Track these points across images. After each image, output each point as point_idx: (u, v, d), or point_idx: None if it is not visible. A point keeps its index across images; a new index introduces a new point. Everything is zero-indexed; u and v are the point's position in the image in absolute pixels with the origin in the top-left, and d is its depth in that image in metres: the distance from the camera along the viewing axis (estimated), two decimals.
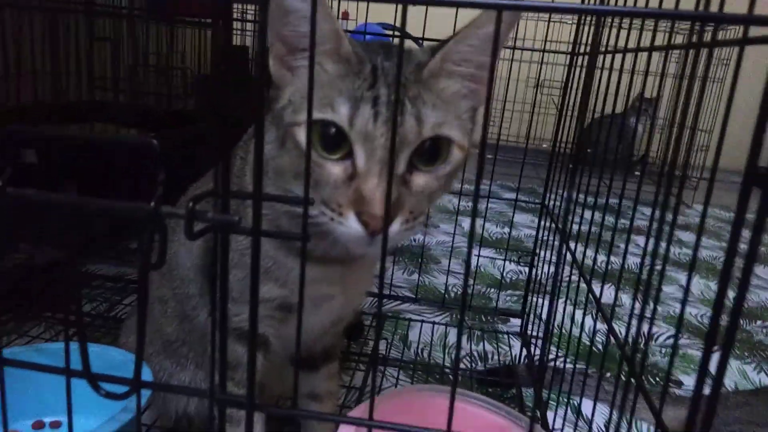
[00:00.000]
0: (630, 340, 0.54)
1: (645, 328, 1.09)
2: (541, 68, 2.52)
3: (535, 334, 1.05)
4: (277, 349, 0.54)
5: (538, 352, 1.01)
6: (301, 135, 0.40)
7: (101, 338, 0.85)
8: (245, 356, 0.50)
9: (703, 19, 0.27)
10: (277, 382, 0.63)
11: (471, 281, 1.30)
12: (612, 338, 0.59)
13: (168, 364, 0.59)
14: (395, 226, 0.39)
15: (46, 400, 0.54)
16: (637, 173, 2.64)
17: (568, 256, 1.25)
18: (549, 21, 1.63)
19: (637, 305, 1.19)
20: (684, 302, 0.46)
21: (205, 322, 0.54)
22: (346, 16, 2.66)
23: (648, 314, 0.51)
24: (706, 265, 1.60)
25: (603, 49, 0.71)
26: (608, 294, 1.32)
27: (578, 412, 0.85)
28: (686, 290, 0.38)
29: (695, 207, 2.33)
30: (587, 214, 2.01)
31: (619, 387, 0.82)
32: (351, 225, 0.38)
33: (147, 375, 0.52)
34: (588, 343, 1.07)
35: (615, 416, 0.84)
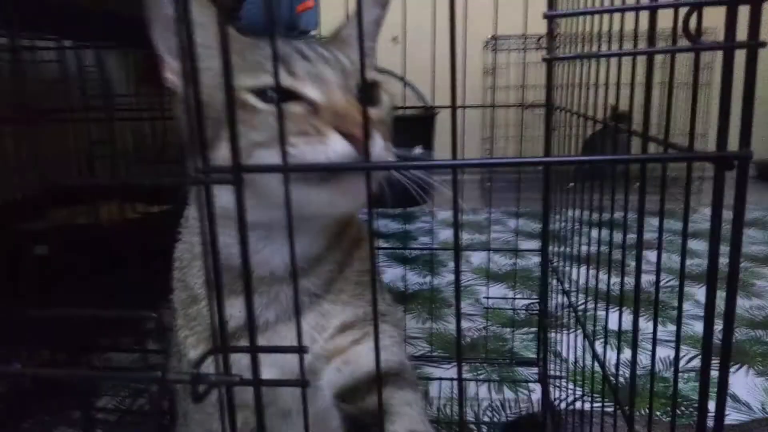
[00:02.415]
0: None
1: (666, 354, 1.09)
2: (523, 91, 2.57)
3: (554, 373, 1.05)
4: None
5: (558, 393, 1.01)
6: (251, 98, 0.40)
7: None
8: None
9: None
10: None
11: (484, 322, 1.30)
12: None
13: None
14: (378, 141, 0.40)
15: None
16: (637, 184, 2.64)
17: (580, 280, 1.26)
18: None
19: (652, 327, 1.19)
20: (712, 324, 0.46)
21: None
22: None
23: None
24: (721, 275, 1.59)
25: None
26: (623, 318, 1.31)
27: None
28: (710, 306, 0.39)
29: (703, 211, 2.32)
30: (593, 233, 2.00)
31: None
32: (336, 144, 0.37)
33: None
34: (611, 377, 1.06)
35: None
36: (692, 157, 0.35)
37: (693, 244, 1.87)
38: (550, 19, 0.24)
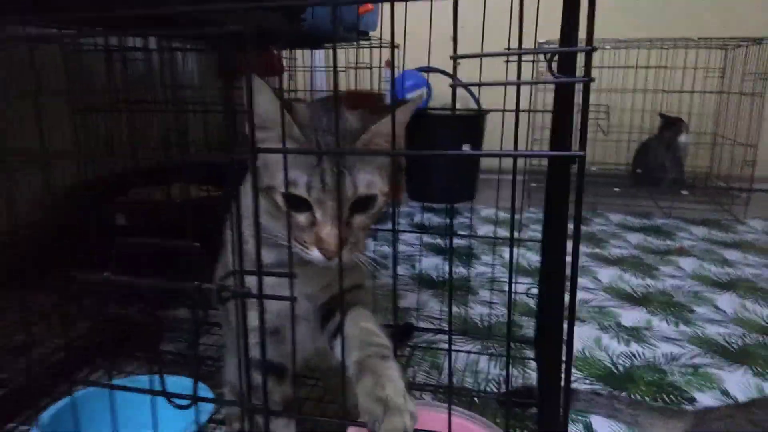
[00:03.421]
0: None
1: (670, 350, 1.17)
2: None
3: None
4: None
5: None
6: (280, 199, 0.58)
7: (180, 371, 1.03)
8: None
9: None
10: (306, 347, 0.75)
11: (504, 309, 1.40)
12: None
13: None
14: (344, 253, 0.58)
15: (142, 418, 0.72)
16: (684, 192, 2.64)
17: (604, 280, 1.36)
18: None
19: (665, 327, 1.30)
20: None
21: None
22: (388, 64, 2.86)
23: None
24: (747, 284, 1.62)
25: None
26: (637, 316, 1.39)
27: (588, 427, 0.94)
28: None
29: (749, 223, 2.30)
30: (631, 237, 2.07)
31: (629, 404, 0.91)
32: (315, 255, 0.58)
33: (205, 392, 0.68)
34: (610, 365, 1.15)
35: (619, 427, 0.93)
36: (544, 154, 0.46)
37: (728, 254, 1.89)
38: (455, 59, 0.35)
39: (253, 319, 0.62)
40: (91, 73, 1.44)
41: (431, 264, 1.76)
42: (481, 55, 0.37)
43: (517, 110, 0.43)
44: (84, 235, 1.22)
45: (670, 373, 1.12)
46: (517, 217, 2.37)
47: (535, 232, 2.14)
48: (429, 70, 2.62)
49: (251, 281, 0.45)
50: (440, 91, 2.75)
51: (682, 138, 2.80)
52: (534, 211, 2.46)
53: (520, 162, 2.70)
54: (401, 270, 1.69)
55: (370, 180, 0.59)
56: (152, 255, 0.53)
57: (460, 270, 1.71)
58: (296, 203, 0.57)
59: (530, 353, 1.18)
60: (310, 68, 3.12)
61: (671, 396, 1.04)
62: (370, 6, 2.34)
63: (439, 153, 0.42)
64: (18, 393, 0.93)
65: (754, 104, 2.41)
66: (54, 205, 1.53)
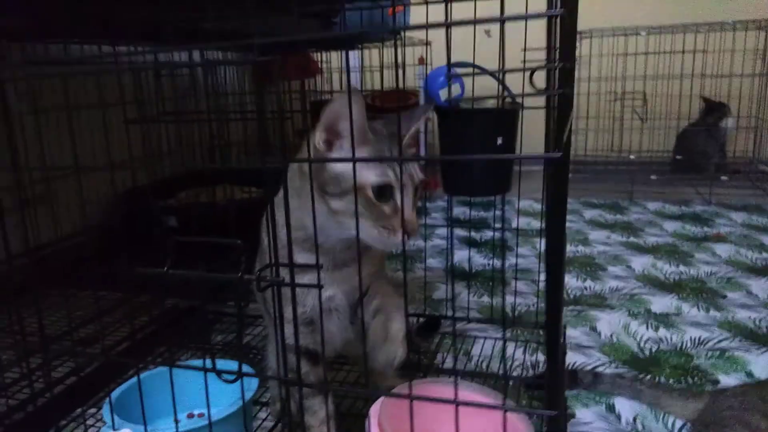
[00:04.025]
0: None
1: (698, 334, 1.20)
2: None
3: (582, 344, 1.20)
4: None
5: (584, 359, 1.15)
6: (370, 192, 0.66)
7: (229, 358, 1.13)
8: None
9: None
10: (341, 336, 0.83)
11: (535, 299, 1.45)
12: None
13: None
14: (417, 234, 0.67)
15: (194, 399, 0.81)
16: (724, 177, 2.60)
17: (637, 269, 1.39)
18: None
19: (695, 313, 1.34)
20: None
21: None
22: (422, 61, 2.92)
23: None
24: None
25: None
26: (668, 303, 1.41)
27: (611, 407, 0.99)
28: None
29: None
30: (668, 225, 2.08)
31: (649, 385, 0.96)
32: (399, 237, 0.65)
33: (248, 370, 0.77)
34: (637, 350, 1.19)
35: (642, 409, 0.97)
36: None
37: (767, 239, 1.87)
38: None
39: (289, 312, 0.70)
40: (141, 87, 1.56)
41: (464, 256, 1.81)
42: (473, 68, 0.43)
43: (548, 109, 0.49)
44: (140, 236, 1.33)
45: (696, 356, 1.15)
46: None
47: (571, 222, 2.16)
48: (461, 65, 2.67)
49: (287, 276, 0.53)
50: (472, 85, 2.78)
51: (726, 123, 2.75)
52: (570, 201, 2.47)
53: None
54: (435, 263, 1.75)
55: (419, 170, 0.69)
56: (203, 252, 0.61)
57: (493, 262, 1.76)
58: (382, 193, 0.66)
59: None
60: (345, 69, 3.20)
61: (695, 378, 1.07)
62: (400, 7, 2.41)
63: (438, 158, 0.48)
64: (88, 379, 1.04)
65: None
66: (113, 209, 1.66)
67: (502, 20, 0.44)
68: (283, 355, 0.53)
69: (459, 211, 2.41)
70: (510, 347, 1.21)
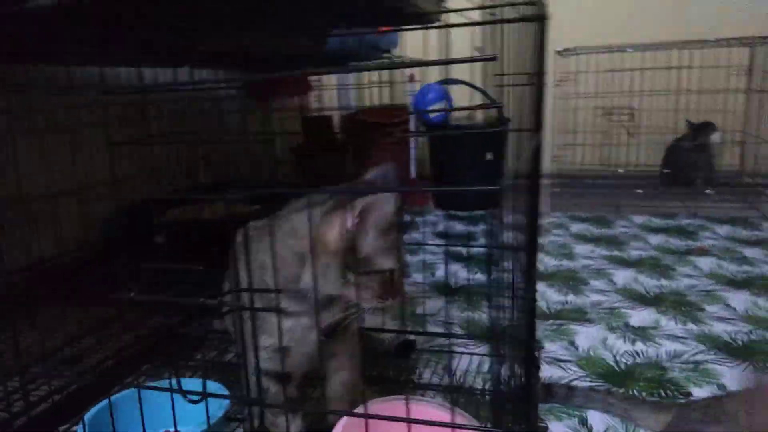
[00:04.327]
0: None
1: (674, 347, 1.22)
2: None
3: (559, 357, 1.22)
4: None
5: (561, 373, 1.17)
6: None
7: (211, 376, 1.15)
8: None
9: None
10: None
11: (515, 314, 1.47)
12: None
13: None
14: None
15: (165, 417, 0.84)
16: (709, 191, 2.63)
17: (619, 282, 1.41)
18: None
19: (672, 326, 1.36)
20: None
21: None
22: (412, 78, 2.97)
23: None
24: (763, 282, 1.63)
25: None
26: (646, 316, 1.43)
27: (584, 421, 1.01)
28: None
29: None
30: (652, 238, 2.11)
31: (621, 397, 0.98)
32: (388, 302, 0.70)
33: (216, 389, 0.79)
34: (612, 363, 1.21)
35: (613, 422, 0.99)
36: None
37: (749, 252, 1.89)
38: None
39: (264, 340, 0.74)
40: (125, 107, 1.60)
41: (450, 270, 1.84)
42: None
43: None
44: (128, 254, 1.36)
45: (670, 369, 1.17)
46: (544, 221, 2.42)
47: (557, 236, 2.19)
48: (450, 82, 2.71)
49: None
50: (461, 102, 2.82)
51: (714, 138, 2.79)
52: (557, 216, 2.50)
53: (544, 167, 2.75)
54: (420, 278, 1.77)
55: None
56: (182, 273, 0.64)
57: (478, 276, 1.79)
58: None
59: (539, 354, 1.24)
60: (337, 86, 3.25)
61: (668, 391, 1.09)
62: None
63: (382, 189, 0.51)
64: (71, 398, 1.06)
65: None
66: (101, 227, 1.68)
67: (446, 62, 0.47)
68: (246, 376, 0.55)
69: (447, 226, 2.44)
70: (489, 362, 1.23)
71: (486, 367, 1.21)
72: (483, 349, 1.29)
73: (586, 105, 2.91)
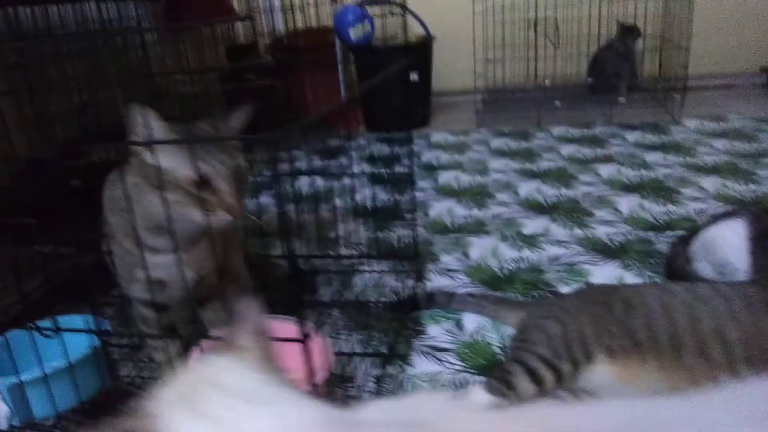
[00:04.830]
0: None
1: (555, 252, 1.33)
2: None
3: (451, 268, 1.33)
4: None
5: (450, 282, 1.28)
6: (190, 184, 0.75)
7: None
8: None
9: None
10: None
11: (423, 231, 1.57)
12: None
13: None
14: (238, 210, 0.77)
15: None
16: (621, 99, 2.72)
17: (522, 194, 1.49)
18: None
19: (560, 232, 1.47)
20: None
21: None
22: (332, 1, 2.90)
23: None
24: (653, 185, 1.76)
25: None
26: (539, 224, 1.55)
27: (459, 323, 1.12)
28: None
29: (684, 123, 2.40)
30: (565, 149, 2.19)
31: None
32: (223, 217, 0.75)
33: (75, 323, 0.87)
34: (498, 270, 1.32)
35: (484, 322, 1.11)
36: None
37: (650, 156, 2.01)
38: None
39: (139, 273, 0.80)
40: None
41: (370, 194, 1.91)
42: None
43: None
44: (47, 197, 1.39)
45: (547, 272, 1.29)
46: (464, 138, 2.49)
47: (476, 153, 2.27)
48: (371, 2, 2.67)
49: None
50: (385, 22, 2.80)
51: (638, 44, 2.84)
52: (482, 132, 2.57)
53: (470, 84, 2.79)
54: (339, 202, 1.84)
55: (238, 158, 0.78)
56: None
57: (395, 197, 1.87)
58: (203, 185, 0.75)
59: (430, 266, 1.35)
60: (263, 10, 3.16)
61: (540, 291, 1.21)
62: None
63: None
64: None
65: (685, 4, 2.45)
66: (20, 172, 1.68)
67: None
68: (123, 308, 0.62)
69: (377, 149, 2.49)
70: (389, 279, 1.33)
71: (384, 281, 1.31)
72: (386, 266, 1.38)
73: (511, 18, 2.91)
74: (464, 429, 0.39)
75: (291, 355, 0.64)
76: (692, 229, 1.27)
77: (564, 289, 1.21)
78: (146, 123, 0.72)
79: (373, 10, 2.67)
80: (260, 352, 0.42)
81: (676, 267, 1.22)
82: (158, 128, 0.74)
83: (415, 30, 2.84)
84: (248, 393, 0.37)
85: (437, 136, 2.57)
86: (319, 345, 0.80)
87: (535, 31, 2.93)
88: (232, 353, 0.41)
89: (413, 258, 1.32)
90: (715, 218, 1.22)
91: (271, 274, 1.33)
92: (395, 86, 2.67)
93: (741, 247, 1.12)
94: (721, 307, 0.85)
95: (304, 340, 0.56)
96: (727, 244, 1.14)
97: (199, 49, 2.58)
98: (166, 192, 0.73)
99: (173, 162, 0.74)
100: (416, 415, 0.40)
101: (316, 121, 0.76)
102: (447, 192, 1.86)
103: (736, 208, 1.48)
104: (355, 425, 0.38)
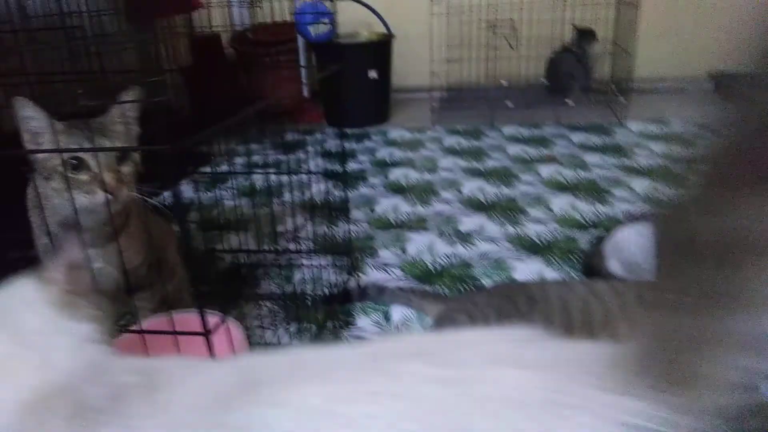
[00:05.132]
0: None
1: (485, 249, 1.41)
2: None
3: (388, 263, 1.41)
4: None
5: (385, 276, 1.36)
6: (66, 169, 0.80)
7: None
8: None
9: None
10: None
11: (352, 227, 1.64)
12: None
13: None
14: (123, 191, 0.82)
15: None
16: (568, 101, 2.83)
17: (465, 192, 1.55)
18: None
19: (494, 230, 1.55)
20: None
21: None
22: None
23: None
24: (588, 185, 1.86)
25: None
26: (476, 222, 1.63)
27: (387, 315, 1.20)
28: None
29: (628, 125, 2.51)
30: (512, 148, 2.28)
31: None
32: (101, 197, 0.80)
33: None
34: (430, 265, 1.40)
35: (410, 314, 1.20)
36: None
37: (589, 157, 2.12)
38: None
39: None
40: None
41: (324, 189, 1.98)
42: None
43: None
44: None
45: (474, 267, 1.38)
46: (419, 136, 2.57)
47: (429, 151, 2.35)
48: None
49: None
50: (347, 17, 2.85)
51: (593, 47, 2.95)
52: (437, 129, 2.65)
53: (426, 81, 2.87)
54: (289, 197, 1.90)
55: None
56: None
57: (341, 193, 1.93)
58: (79, 168, 0.80)
59: (368, 261, 1.43)
60: (228, 3, 3.18)
61: (465, 285, 1.30)
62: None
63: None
64: None
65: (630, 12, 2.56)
66: None
67: None
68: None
69: (334, 144, 2.55)
70: (328, 272, 1.40)
71: (323, 275, 1.38)
72: (325, 261, 1.45)
73: (469, 19, 2.99)
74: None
75: (197, 347, 0.71)
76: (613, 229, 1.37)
77: (487, 283, 1.30)
78: (27, 115, 0.78)
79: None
80: (67, 285, 0.47)
81: (592, 264, 1.31)
82: (39, 118, 0.78)
83: (376, 28, 2.90)
84: (22, 322, 0.43)
85: (394, 133, 2.64)
86: (229, 336, 0.86)
87: (494, 33, 3.02)
88: (37, 284, 0.47)
89: (347, 253, 1.39)
90: (629, 219, 1.32)
91: (211, 268, 1.39)
92: (352, 83, 2.74)
93: (647, 249, 1.22)
94: (612, 302, 0.95)
95: (206, 333, 0.63)
96: (635, 244, 1.24)
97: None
98: (50, 181, 0.79)
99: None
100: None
101: (257, 116, 0.83)
102: (395, 189, 1.93)
103: (652, 210, 1.58)
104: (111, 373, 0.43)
